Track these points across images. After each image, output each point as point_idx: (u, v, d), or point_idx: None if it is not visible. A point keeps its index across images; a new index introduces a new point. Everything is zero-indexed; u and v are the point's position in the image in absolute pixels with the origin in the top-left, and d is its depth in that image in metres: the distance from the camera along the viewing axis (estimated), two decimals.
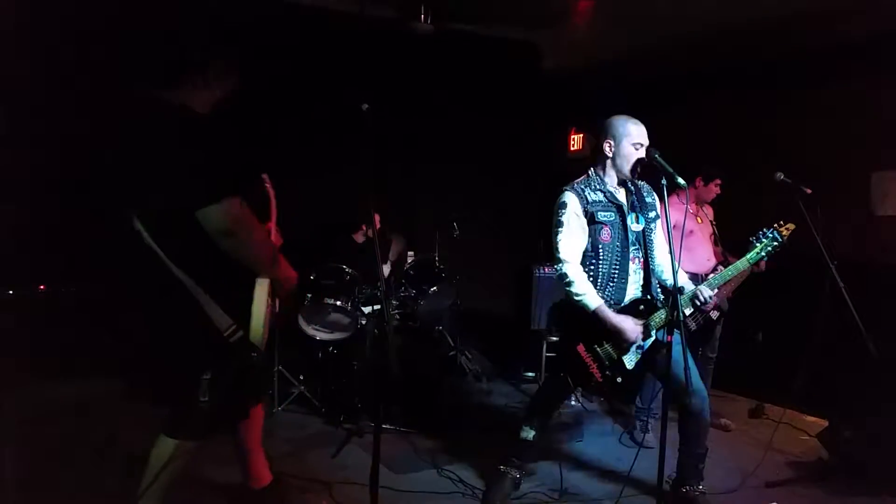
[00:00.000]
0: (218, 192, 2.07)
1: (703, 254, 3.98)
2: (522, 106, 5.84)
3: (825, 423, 3.67)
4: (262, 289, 2.27)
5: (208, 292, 2.16)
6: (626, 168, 2.85)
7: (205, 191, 2.07)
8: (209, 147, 2.13)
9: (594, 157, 3.00)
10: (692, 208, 4.07)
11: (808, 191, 3.44)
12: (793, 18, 4.29)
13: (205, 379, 2.18)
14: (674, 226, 3.87)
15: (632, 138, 2.84)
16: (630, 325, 2.77)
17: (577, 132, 6.84)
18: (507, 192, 5.82)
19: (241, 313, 2.23)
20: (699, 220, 4.06)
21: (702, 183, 4.03)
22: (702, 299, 2.82)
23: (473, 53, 5.38)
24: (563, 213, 2.84)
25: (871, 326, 3.30)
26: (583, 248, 2.86)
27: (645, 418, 3.84)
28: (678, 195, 3.96)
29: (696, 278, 3.82)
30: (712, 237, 4.10)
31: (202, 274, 2.16)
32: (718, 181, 4.04)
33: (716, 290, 2.87)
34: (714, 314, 3.91)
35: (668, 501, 2.86)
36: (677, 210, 3.87)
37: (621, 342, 2.79)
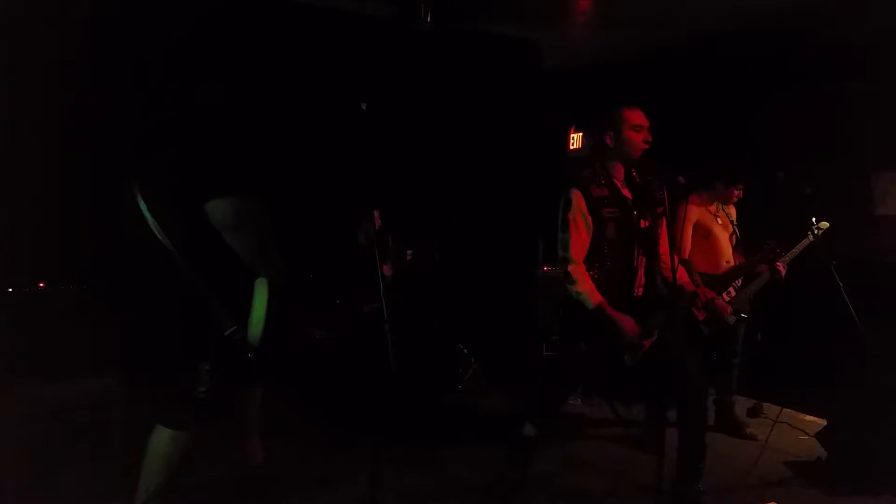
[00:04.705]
0: (226, 186, 2.11)
1: (719, 255, 3.89)
2: (521, 104, 5.83)
3: (823, 423, 3.67)
4: (262, 288, 2.28)
5: (212, 288, 2.18)
6: (633, 154, 2.85)
7: (213, 184, 2.10)
8: (220, 141, 2.18)
9: (594, 156, 3.00)
10: (712, 208, 3.97)
11: (808, 190, 3.44)
12: (792, 17, 4.29)
13: (204, 370, 2.21)
14: (693, 224, 3.89)
15: (630, 122, 2.84)
16: (629, 324, 2.77)
17: (576, 131, 6.83)
18: (506, 191, 5.81)
19: (242, 312, 2.25)
20: (719, 221, 3.97)
21: (722, 186, 3.93)
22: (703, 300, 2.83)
23: (473, 51, 5.37)
24: (568, 211, 2.83)
25: (869, 326, 3.30)
26: (587, 246, 2.85)
27: None
28: (699, 194, 3.95)
29: (712, 279, 3.81)
30: (733, 238, 3.99)
31: (207, 269, 2.18)
32: (740, 185, 3.94)
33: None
34: (731, 318, 3.82)
35: (667, 500, 2.86)
36: (696, 208, 3.87)
37: (620, 340, 2.78)
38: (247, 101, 2.52)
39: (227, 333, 2.18)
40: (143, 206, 2.16)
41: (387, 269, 4.71)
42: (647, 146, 2.83)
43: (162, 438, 2.32)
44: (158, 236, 2.15)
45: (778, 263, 3.74)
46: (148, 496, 2.28)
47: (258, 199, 2.21)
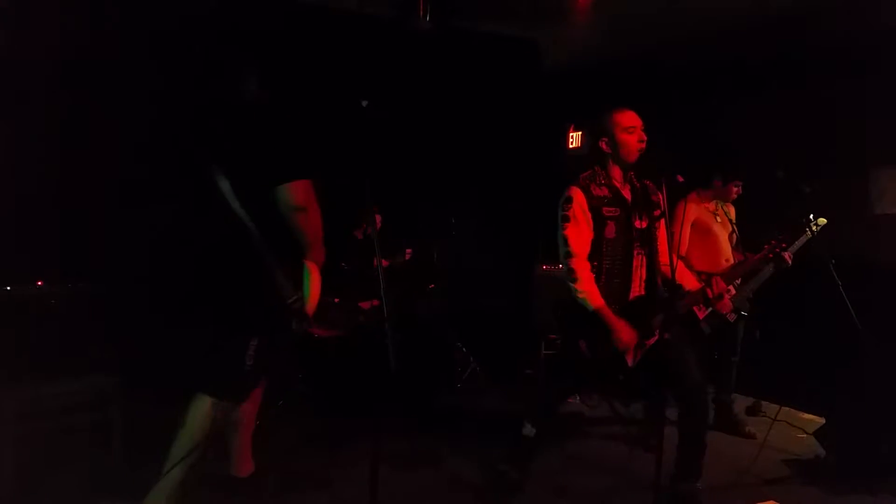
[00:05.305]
0: (295, 171, 2.41)
1: (719, 253, 3.90)
2: (521, 103, 5.84)
3: (822, 421, 3.68)
4: (313, 268, 2.53)
5: (278, 263, 2.40)
6: (630, 156, 2.85)
7: (284, 170, 2.41)
8: (288, 133, 2.49)
9: (593, 156, 3.00)
10: (711, 206, 3.98)
11: (808, 189, 3.45)
12: (792, 17, 4.29)
13: (253, 344, 2.39)
14: (692, 223, 3.91)
15: (621, 126, 2.84)
16: (626, 333, 2.77)
17: (575, 129, 6.84)
18: (506, 190, 5.81)
19: (298, 286, 2.47)
20: (718, 220, 3.98)
21: (720, 184, 3.95)
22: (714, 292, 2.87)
23: (472, 50, 5.37)
24: (568, 208, 2.84)
25: (868, 324, 3.31)
26: (590, 242, 2.85)
27: None
28: (698, 192, 3.95)
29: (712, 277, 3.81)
30: (732, 237, 4.00)
31: (274, 245, 2.41)
32: (739, 182, 3.95)
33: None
34: (731, 316, 3.84)
35: (666, 498, 2.87)
36: (696, 206, 3.87)
37: (616, 346, 2.79)
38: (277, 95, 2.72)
39: (290, 302, 2.39)
40: (225, 187, 2.37)
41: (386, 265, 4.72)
42: (643, 146, 2.83)
43: (203, 407, 2.40)
44: (239, 214, 2.36)
45: (784, 253, 3.75)
46: (174, 463, 2.34)
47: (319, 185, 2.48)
